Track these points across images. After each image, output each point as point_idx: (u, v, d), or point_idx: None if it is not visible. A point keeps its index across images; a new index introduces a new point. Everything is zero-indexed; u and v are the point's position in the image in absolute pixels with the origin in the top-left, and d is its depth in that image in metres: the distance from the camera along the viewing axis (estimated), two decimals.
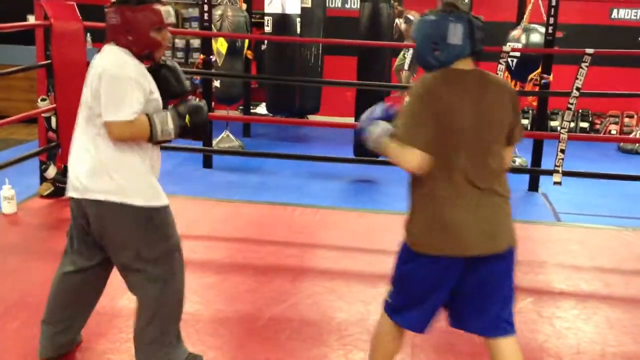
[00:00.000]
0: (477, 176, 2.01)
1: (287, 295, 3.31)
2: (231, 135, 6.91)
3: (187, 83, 2.48)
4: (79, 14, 4.49)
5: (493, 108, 2.03)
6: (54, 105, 4.49)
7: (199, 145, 6.15)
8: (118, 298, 3.07)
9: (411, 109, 2.02)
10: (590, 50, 4.27)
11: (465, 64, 2.05)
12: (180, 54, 8.96)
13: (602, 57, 7.24)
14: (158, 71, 2.40)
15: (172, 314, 2.41)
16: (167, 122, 2.27)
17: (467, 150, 2.00)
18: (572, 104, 4.39)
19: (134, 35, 2.27)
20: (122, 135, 2.22)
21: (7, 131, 6.72)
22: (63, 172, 4.71)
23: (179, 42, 8.96)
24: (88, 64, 4.58)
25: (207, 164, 6.19)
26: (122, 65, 2.25)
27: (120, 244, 2.32)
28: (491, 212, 2.04)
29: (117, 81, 2.21)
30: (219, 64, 6.58)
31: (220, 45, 6.55)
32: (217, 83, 6.77)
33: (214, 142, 6.57)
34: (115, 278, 3.30)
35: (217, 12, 6.52)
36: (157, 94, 2.33)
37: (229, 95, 6.94)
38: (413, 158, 1.98)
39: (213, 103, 6.76)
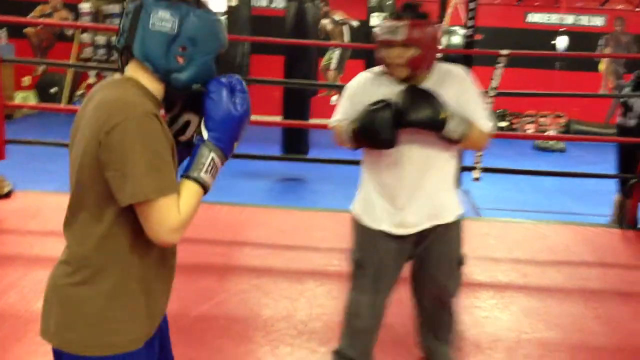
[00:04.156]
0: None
1: (214, 293, 3.28)
2: None
3: (440, 108, 2.08)
4: None
5: (75, 143, 1.42)
6: None
7: None
8: (33, 302, 2.96)
9: None
10: (504, 52, 4.45)
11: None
12: (102, 51, 8.71)
13: (518, 59, 7.58)
14: (408, 93, 2.13)
15: (345, 326, 2.42)
16: None
17: None
18: (488, 103, 4.57)
19: None
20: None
21: None
22: None
23: (100, 39, 8.70)
24: (1, 60, 4.43)
25: None
26: None
27: None
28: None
29: None
30: None
31: None
32: None
33: None
34: (31, 281, 3.19)
35: None
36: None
37: None
38: None
39: None
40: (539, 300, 3.43)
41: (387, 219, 2.24)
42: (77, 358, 1.39)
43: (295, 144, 6.08)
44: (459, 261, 2.38)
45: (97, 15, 8.75)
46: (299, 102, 6.12)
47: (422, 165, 2.19)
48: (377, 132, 2.10)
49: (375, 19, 7.03)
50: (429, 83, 2.18)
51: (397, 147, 2.13)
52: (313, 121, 6.63)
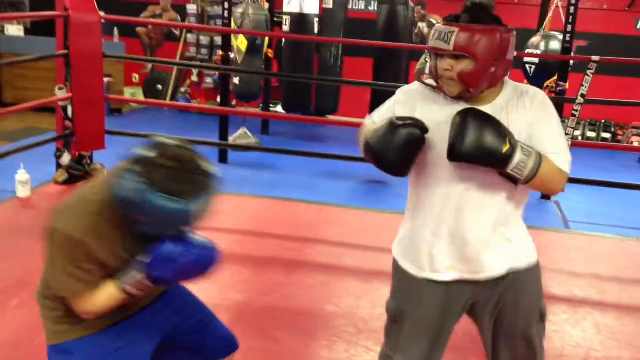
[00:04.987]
0: None
1: (280, 286, 3.38)
2: (248, 132, 6.99)
3: (504, 140, 1.64)
4: (96, 7, 4.63)
5: None
6: (71, 94, 4.64)
7: (214, 139, 6.27)
8: None
9: None
10: (595, 58, 4.28)
11: None
12: (204, 51, 9.13)
13: (626, 67, 7.18)
14: (461, 118, 1.68)
15: None
16: None
17: None
18: (576, 110, 4.38)
19: None
20: None
21: (32, 120, 6.94)
22: (78, 160, 4.86)
23: (204, 40, 9.13)
24: (104, 55, 4.77)
25: (223, 159, 6.29)
26: None
27: None
28: None
29: None
30: (239, 62, 6.68)
31: (240, 43, 6.65)
32: (236, 80, 6.88)
33: (231, 138, 6.65)
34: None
35: (238, 10, 6.63)
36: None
37: (248, 92, 7.03)
38: None
39: (234, 101, 6.87)
40: (614, 318, 3.26)
41: (437, 262, 1.81)
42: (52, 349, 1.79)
43: None
44: (534, 326, 1.97)
45: (202, 17, 9.18)
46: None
47: (480, 202, 1.76)
48: (384, 152, 1.73)
49: None
50: (494, 105, 1.75)
51: (450, 181, 1.76)
52: None
